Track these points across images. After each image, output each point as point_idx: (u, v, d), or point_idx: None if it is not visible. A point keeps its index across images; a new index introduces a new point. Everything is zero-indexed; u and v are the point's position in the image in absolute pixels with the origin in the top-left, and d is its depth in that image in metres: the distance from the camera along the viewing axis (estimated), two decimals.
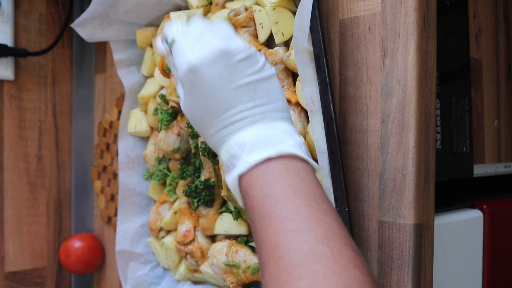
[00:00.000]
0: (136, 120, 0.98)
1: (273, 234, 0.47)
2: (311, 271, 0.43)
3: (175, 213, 0.91)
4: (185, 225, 0.86)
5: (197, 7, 0.85)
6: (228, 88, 0.55)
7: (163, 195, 0.95)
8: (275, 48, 0.72)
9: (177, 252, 0.88)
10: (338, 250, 0.45)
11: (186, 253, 0.86)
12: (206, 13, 0.86)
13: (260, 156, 0.52)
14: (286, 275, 0.44)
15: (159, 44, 0.63)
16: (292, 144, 0.54)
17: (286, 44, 0.75)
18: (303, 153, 0.53)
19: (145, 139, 1.01)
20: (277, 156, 0.52)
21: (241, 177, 0.53)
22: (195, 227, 0.86)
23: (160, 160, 0.95)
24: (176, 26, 0.60)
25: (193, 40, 0.57)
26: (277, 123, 0.55)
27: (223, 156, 0.55)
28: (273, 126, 0.55)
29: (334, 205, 0.64)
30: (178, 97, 0.77)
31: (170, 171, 0.94)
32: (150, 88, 0.97)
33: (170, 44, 0.59)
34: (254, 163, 0.52)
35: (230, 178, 0.54)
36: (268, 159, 0.52)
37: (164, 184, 0.96)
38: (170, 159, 0.93)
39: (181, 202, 0.88)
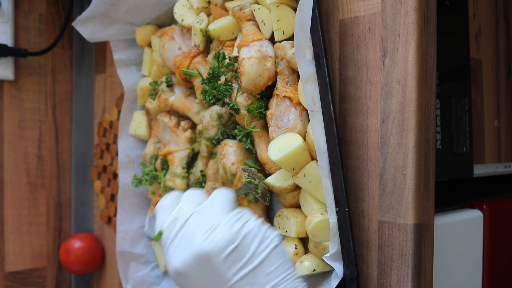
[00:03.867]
0: (137, 123, 0.98)
1: None
2: None
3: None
4: None
5: (197, 8, 0.85)
6: (219, 285, 0.54)
7: (157, 197, 0.95)
8: (283, 43, 0.72)
9: None
10: None
11: None
12: (207, 15, 0.86)
13: None
14: None
15: (147, 231, 0.63)
16: None
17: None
18: None
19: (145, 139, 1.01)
20: None
21: None
22: None
23: (145, 165, 0.95)
24: (162, 217, 0.59)
25: (176, 234, 0.56)
26: None
27: None
28: None
29: (334, 205, 0.64)
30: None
31: (156, 171, 0.94)
32: (148, 80, 0.97)
33: (156, 237, 0.60)
34: None
35: None
36: None
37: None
38: (156, 160, 0.93)
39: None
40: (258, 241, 0.55)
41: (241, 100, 0.76)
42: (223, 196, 0.61)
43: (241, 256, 0.54)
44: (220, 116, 0.81)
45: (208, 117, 0.81)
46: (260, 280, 0.54)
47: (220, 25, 0.80)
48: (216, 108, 0.81)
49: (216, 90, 0.78)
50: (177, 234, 0.57)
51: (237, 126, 0.78)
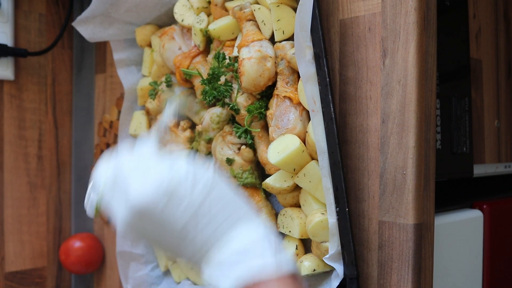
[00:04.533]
0: (137, 123, 0.98)
1: None
2: None
3: None
4: None
5: (197, 8, 0.85)
6: (169, 234, 0.53)
7: None
8: (283, 43, 0.72)
9: None
10: None
11: None
12: (207, 14, 0.86)
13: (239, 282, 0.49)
14: None
15: (88, 210, 0.60)
16: (286, 270, 0.51)
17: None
18: (287, 270, 0.51)
19: None
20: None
21: None
22: None
23: None
24: (99, 179, 0.58)
25: (114, 201, 0.55)
26: (238, 228, 0.52)
27: (204, 274, 0.54)
28: (235, 236, 0.52)
29: (334, 205, 0.64)
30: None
31: None
32: (148, 80, 0.97)
33: (97, 207, 0.58)
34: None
35: None
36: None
37: None
38: None
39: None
40: (191, 186, 0.53)
41: (241, 100, 0.76)
42: (147, 142, 0.58)
43: (180, 200, 0.52)
44: (220, 119, 0.81)
45: (208, 119, 0.81)
46: (204, 219, 0.52)
47: (220, 25, 0.80)
48: (216, 111, 0.81)
49: (216, 91, 0.78)
50: (112, 196, 0.55)
51: (235, 124, 0.78)
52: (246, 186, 0.76)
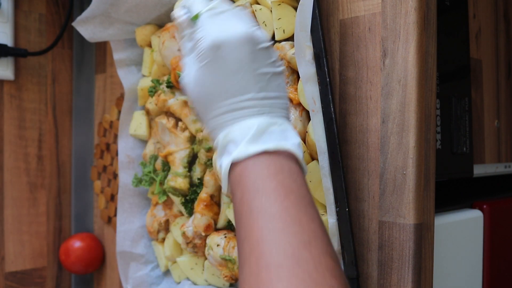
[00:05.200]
0: (137, 123, 0.98)
1: (259, 229, 0.48)
2: (291, 275, 0.44)
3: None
4: (205, 218, 0.84)
5: None
6: (246, 72, 0.55)
7: (156, 197, 0.95)
8: (282, 43, 0.72)
9: (184, 239, 0.86)
10: (319, 257, 0.46)
11: (190, 242, 0.85)
12: None
13: (260, 147, 0.52)
14: (266, 274, 0.45)
15: (178, 12, 0.61)
16: (292, 143, 0.54)
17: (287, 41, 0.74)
18: (300, 154, 0.54)
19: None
20: (275, 150, 0.52)
21: (234, 164, 0.53)
22: (214, 221, 0.85)
23: (145, 165, 0.95)
24: (203, 2, 0.59)
25: (222, 17, 0.57)
26: (281, 119, 0.55)
27: (221, 139, 0.55)
28: (277, 122, 0.55)
29: (334, 205, 0.64)
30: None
31: (156, 171, 0.94)
32: (148, 80, 0.97)
33: (194, 18, 0.58)
34: (252, 152, 0.52)
35: (224, 163, 0.54)
36: (266, 152, 0.52)
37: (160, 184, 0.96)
38: (156, 160, 0.93)
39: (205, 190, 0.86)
40: (278, 56, 0.59)
41: None
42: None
43: (271, 56, 0.57)
44: None
45: None
46: (273, 86, 0.56)
47: None
48: None
49: None
50: (223, 12, 0.58)
51: None
52: None
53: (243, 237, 0.49)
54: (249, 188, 0.50)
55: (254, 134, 0.53)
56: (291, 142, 0.54)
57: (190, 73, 0.58)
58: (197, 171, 0.87)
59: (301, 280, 0.44)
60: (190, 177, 0.88)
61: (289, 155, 0.53)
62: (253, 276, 0.46)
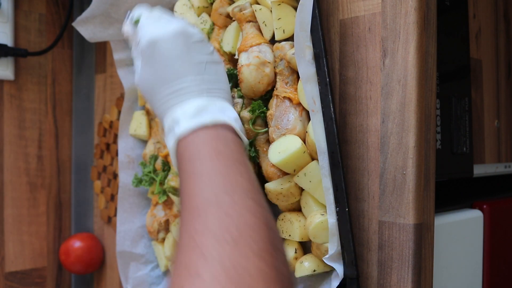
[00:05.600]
0: (137, 123, 0.98)
1: (191, 188, 0.54)
2: (208, 214, 0.49)
3: None
4: None
5: (198, 7, 0.85)
6: (182, 61, 0.62)
7: (156, 197, 0.95)
8: (282, 43, 0.72)
9: None
10: (239, 200, 0.51)
11: None
12: (208, 14, 0.86)
13: (198, 122, 0.58)
14: (188, 216, 0.51)
15: (125, 26, 0.71)
16: (229, 117, 0.60)
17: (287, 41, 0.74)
18: (237, 126, 0.60)
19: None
20: (213, 124, 0.58)
21: (179, 142, 0.59)
22: None
23: (145, 165, 0.95)
24: (141, 9, 0.69)
25: (157, 19, 0.65)
26: (219, 100, 0.62)
27: (166, 122, 0.61)
28: (215, 101, 0.61)
29: (334, 205, 0.64)
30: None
31: (156, 171, 0.94)
32: None
33: (135, 21, 0.68)
34: (192, 126, 0.58)
35: (170, 142, 0.60)
36: (205, 127, 0.58)
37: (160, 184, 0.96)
38: (156, 160, 0.93)
39: None
40: (214, 49, 0.66)
41: (245, 115, 0.75)
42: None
43: (206, 47, 0.64)
44: None
45: None
46: (210, 72, 0.63)
47: (234, 39, 0.79)
48: None
49: None
50: (159, 16, 0.66)
51: None
52: None
53: (182, 200, 0.54)
54: (187, 157, 0.57)
55: (194, 112, 0.59)
56: (228, 115, 0.60)
57: (137, 72, 0.65)
58: None
59: (217, 217, 0.49)
60: None
61: (226, 127, 0.60)
62: (181, 221, 0.52)
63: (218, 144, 0.57)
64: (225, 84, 0.65)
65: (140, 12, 0.69)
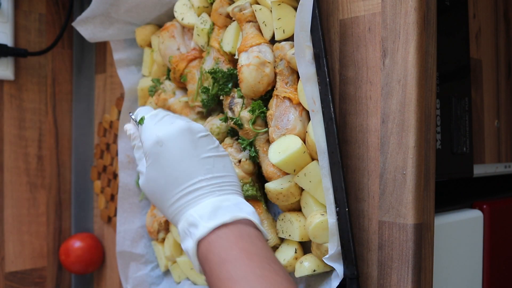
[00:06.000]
0: None
1: None
2: None
3: None
4: None
5: (198, 7, 0.85)
6: (190, 159, 0.61)
7: None
8: (282, 43, 0.72)
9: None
10: None
11: None
12: (208, 14, 0.86)
13: (218, 221, 0.57)
14: None
15: (127, 125, 0.72)
16: (247, 212, 0.59)
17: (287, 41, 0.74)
18: (256, 219, 0.59)
19: None
20: (232, 221, 0.57)
21: (199, 244, 0.57)
22: None
23: None
24: (144, 109, 0.69)
25: (160, 119, 0.65)
26: (232, 195, 0.61)
27: (181, 225, 0.60)
28: (228, 198, 0.60)
29: (334, 205, 0.64)
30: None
31: None
32: (148, 80, 0.97)
33: (139, 122, 0.67)
34: (212, 227, 0.56)
35: (190, 245, 0.58)
36: (224, 225, 0.57)
37: None
38: None
39: None
40: (219, 143, 0.65)
41: (245, 115, 0.75)
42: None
43: (211, 142, 0.63)
44: (220, 130, 0.81)
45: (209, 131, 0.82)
46: (218, 167, 0.62)
47: (234, 39, 0.79)
48: (215, 122, 0.81)
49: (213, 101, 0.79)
50: (163, 116, 0.66)
51: (241, 136, 0.77)
52: (247, 198, 0.75)
53: None
54: (215, 261, 0.55)
55: (210, 212, 0.58)
56: (246, 211, 0.59)
57: (143, 175, 0.64)
58: None
59: None
60: None
61: (246, 222, 0.58)
62: None
63: (244, 243, 0.56)
64: (234, 177, 0.64)
65: (144, 112, 0.68)
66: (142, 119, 0.67)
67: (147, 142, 0.63)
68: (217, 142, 0.64)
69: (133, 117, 0.71)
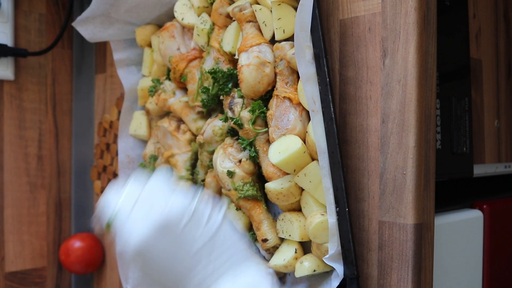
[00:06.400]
0: (137, 123, 0.98)
1: None
2: None
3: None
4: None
5: (198, 7, 0.85)
6: (183, 255, 0.54)
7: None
8: (282, 43, 0.72)
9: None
10: None
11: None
12: (208, 14, 0.86)
13: None
14: None
15: (93, 221, 0.61)
16: (265, 277, 0.56)
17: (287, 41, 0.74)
18: (274, 279, 0.56)
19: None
20: None
21: None
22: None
23: (144, 166, 0.95)
24: (109, 203, 0.58)
25: (133, 217, 0.55)
26: (244, 265, 0.56)
27: None
28: (242, 271, 0.55)
29: (334, 205, 0.64)
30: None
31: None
32: (148, 80, 0.97)
33: (109, 224, 0.58)
34: None
35: None
36: None
37: None
38: (155, 160, 0.94)
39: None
40: (209, 211, 0.57)
41: (245, 115, 0.75)
42: (163, 175, 0.62)
43: (198, 223, 0.55)
44: (222, 131, 0.81)
45: (211, 132, 0.81)
46: (218, 243, 0.56)
47: (234, 39, 0.79)
48: (217, 123, 0.81)
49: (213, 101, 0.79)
50: (131, 212, 0.56)
51: (241, 136, 0.77)
52: (247, 198, 0.75)
53: None
54: None
55: None
56: (263, 275, 0.56)
57: (135, 280, 0.59)
58: (200, 174, 0.87)
59: None
60: (193, 179, 0.88)
61: None
62: None
63: None
64: (239, 241, 0.58)
65: (111, 210, 0.58)
66: (112, 218, 0.58)
67: (128, 251, 0.56)
68: (206, 212, 0.57)
69: (102, 221, 0.60)
